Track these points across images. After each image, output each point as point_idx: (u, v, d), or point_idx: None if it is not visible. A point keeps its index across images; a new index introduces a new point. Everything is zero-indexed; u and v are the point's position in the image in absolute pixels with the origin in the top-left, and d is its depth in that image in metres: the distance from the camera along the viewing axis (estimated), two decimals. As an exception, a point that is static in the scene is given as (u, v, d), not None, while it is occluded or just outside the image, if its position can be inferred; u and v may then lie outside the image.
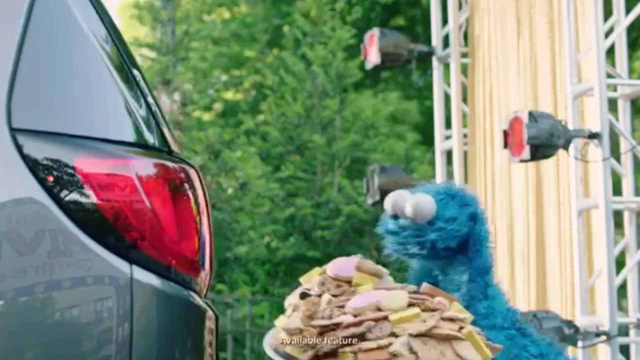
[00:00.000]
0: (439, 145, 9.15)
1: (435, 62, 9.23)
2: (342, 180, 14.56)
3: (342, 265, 3.14)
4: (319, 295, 3.01)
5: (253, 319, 11.87)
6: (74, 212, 2.20)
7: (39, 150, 2.22)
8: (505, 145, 7.05)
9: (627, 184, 7.54)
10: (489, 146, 8.39)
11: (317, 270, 3.16)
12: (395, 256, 3.44)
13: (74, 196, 2.22)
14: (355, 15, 16.41)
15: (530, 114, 6.92)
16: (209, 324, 2.41)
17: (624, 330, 7.04)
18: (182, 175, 2.37)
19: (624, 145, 7.51)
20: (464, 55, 8.92)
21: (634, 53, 13.63)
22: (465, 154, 8.80)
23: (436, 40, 9.21)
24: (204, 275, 2.40)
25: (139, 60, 15.39)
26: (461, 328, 2.80)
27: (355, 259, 3.11)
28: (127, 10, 16.76)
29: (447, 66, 9.23)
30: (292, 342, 2.88)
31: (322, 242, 14.14)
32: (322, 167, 14.78)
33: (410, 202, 3.36)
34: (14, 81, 2.24)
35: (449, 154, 9.09)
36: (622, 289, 7.55)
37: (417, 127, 16.75)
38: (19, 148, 2.21)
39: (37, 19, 2.31)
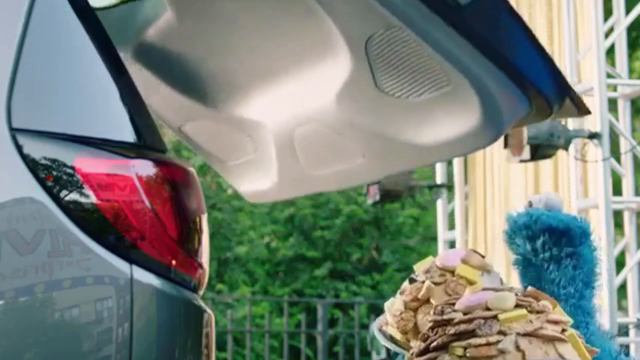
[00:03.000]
0: (439, 145, 9.14)
1: (435, 62, 9.22)
2: (342, 180, 14.55)
3: (449, 256, 3.25)
4: (423, 282, 3.12)
5: (253, 319, 11.87)
6: (74, 212, 2.21)
7: (39, 150, 2.22)
8: (505, 145, 7.05)
9: (627, 184, 7.54)
10: (489, 146, 8.38)
11: (430, 258, 3.26)
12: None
13: (74, 196, 2.22)
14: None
15: (530, 114, 6.92)
16: (208, 323, 2.41)
17: (623, 331, 7.04)
18: (182, 175, 2.37)
19: (624, 145, 7.51)
20: (464, 55, 8.91)
21: (634, 53, 13.62)
22: (465, 154, 8.80)
23: (436, 40, 9.20)
24: (203, 275, 2.41)
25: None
26: (564, 330, 2.91)
27: (463, 251, 3.21)
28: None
29: (447, 66, 9.22)
30: (393, 322, 3.08)
31: (322, 242, 14.14)
32: (322, 167, 14.77)
33: (540, 197, 3.45)
34: (14, 81, 2.24)
35: (448, 154, 9.08)
36: (622, 289, 7.55)
37: (417, 127, 16.73)
38: (19, 148, 2.21)
39: (37, 19, 2.31)
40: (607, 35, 7.28)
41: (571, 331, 2.96)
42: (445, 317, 2.89)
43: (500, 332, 2.85)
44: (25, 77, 2.26)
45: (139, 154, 2.32)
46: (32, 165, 2.21)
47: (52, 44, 2.33)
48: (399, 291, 3.23)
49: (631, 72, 9.10)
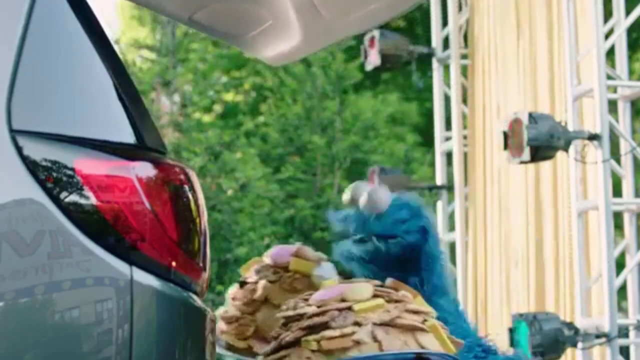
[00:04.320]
0: (439, 146, 9.16)
1: (435, 64, 9.23)
2: (342, 182, 14.56)
3: (279, 252, 3.18)
4: (256, 282, 3.02)
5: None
6: (74, 213, 2.21)
7: (39, 151, 2.22)
8: (505, 146, 7.05)
9: (627, 185, 7.54)
10: (489, 147, 8.39)
11: (255, 259, 3.20)
12: (341, 261, 3.38)
13: (74, 197, 2.22)
14: (355, 17, 16.38)
15: (530, 115, 6.92)
16: (209, 324, 2.41)
17: (623, 332, 7.04)
18: (182, 176, 2.37)
19: (624, 147, 7.51)
20: (464, 56, 8.92)
21: (634, 54, 13.63)
22: (465, 155, 8.81)
23: (436, 42, 9.22)
24: (204, 277, 2.41)
25: (138, 61, 15.41)
26: (425, 321, 2.83)
27: (293, 246, 3.14)
28: (127, 11, 16.77)
29: (447, 67, 9.23)
30: (230, 330, 2.96)
31: (322, 243, 14.14)
32: (322, 169, 14.78)
33: (367, 190, 3.34)
34: (14, 82, 2.24)
35: (449, 155, 9.09)
36: (622, 290, 7.55)
37: (417, 129, 16.76)
38: (19, 149, 2.21)
39: (37, 20, 2.31)
40: (607, 36, 7.28)
41: (432, 321, 2.86)
42: (298, 311, 2.82)
43: (356, 323, 2.75)
44: (25, 78, 2.26)
45: (139, 155, 2.32)
46: (32, 166, 2.21)
47: (52, 45, 2.33)
48: (230, 297, 3.14)
49: (631, 73, 9.10)
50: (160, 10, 3.51)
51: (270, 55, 3.73)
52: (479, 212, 8.50)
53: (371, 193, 3.31)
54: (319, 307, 2.79)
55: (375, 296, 2.83)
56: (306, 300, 2.86)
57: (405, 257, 3.33)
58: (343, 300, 2.81)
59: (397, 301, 2.83)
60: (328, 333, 2.73)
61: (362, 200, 3.31)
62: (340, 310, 2.77)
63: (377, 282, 2.95)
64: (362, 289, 2.85)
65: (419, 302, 2.92)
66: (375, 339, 2.74)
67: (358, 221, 3.32)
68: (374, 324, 2.75)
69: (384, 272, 3.24)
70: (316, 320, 2.76)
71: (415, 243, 3.33)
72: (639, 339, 7.25)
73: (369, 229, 3.30)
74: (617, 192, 7.37)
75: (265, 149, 15.07)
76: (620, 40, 7.56)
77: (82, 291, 2.18)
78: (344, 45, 14.88)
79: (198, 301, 2.37)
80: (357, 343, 2.72)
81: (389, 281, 2.97)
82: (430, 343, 2.80)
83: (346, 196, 3.40)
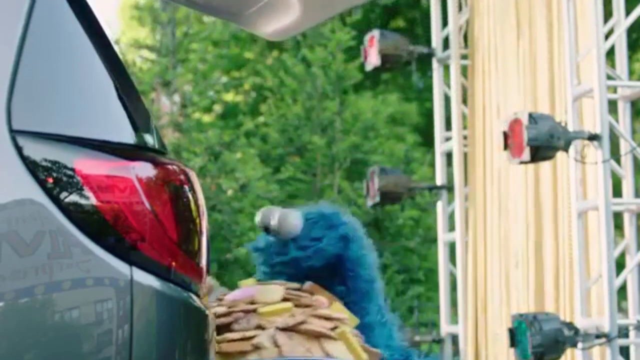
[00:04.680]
0: (439, 146, 9.16)
1: (435, 64, 9.23)
2: (342, 182, 14.56)
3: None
4: None
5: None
6: (74, 213, 2.21)
7: (39, 151, 2.22)
8: (505, 146, 7.05)
9: (627, 186, 7.54)
10: (489, 148, 8.39)
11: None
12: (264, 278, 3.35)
13: (74, 197, 2.22)
14: (355, 17, 16.41)
15: (530, 115, 6.92)
16: (209, 325, 2.41)
17: (623, 332, 7.03)
18: (182, 177, 2.37)
19: (624, 147, 7.51)
20: (464, 56, 8.93)
21: (634, 54, 13.63)
22: (465, 155, 8.81)
23: (436, 42, 9.22)
24: (204, 277, 2.41)
25: (138, 61, 15.40)
26: (335, 328, 2.76)
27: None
28: (127, 11, 16.76)
29: (447, 68, 9.24)
30: None
31: (322, 243, 14.11)
32: (322, 169, 14.78)
33: (277, 215, 3.30)
34: (14, 83, 2.24)
35: (449, 156, 9.09)
36: (622, 291, 7.55)
37: (417, 129, 16.76)
38: (19, 149, 2.21)
39: (37, 20, 2.31)
40: (607, 36, 7.28)
41: (343, 328, 2.79)
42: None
43: (259, 327, 2.68)
44: (25, 78, 2.26)
45: (139, 155, 2.32)
46: (32, 166, 2.21)
47: (52, 46, 2.33)
48: None
49: (631, 73, 9.10)
50: None
51: (270, 31, 3.72)
52: (479, 212, 8.50)
53: (281, 220, 3.26)
54: (229, 307, 2.73)
55: (285, 299, 2.76)
56: (220, 300, 2.79)
57: (327, 267, 3.31)
58: (252, 302, 2.74)
59: (307, 306, 2.75)
60: (230, 335, 2.66)
61: (274, 224, 3.27)
62: (245, 312, 2.70)
63: (294, 285, 2.88)
64: (273, 291, 2.78)
65: (335, 308, 2.83)
66: (276, 344, 2.66)
67: (278, 246, 3.30)
68: (277, 328, 2.67)
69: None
70: (223, 320, 2.69)
71: (336, 253, 3.31)
72: (639, 339, 7.25)
73: (290, 255, 3.28)
74: (617, 192, 7.37)
75: (265, 149, 15.07)
76: (620, 40, 7.56)
77: (82, 291, 2.18)
78: (343, 45, 14.89)
79: (198, 301, 2.37)
80: (257, 347, 2.64)
81: (307, 284, 2.91)
82: (338, 351, 2.72)
83: (257, 219, 3.37)
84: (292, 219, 3.31)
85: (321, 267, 3.29)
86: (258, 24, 3.70)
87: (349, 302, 3.24)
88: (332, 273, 3.30)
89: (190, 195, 2.38)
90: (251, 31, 3.88)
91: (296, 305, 2.73)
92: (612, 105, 7.53)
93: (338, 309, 2.83)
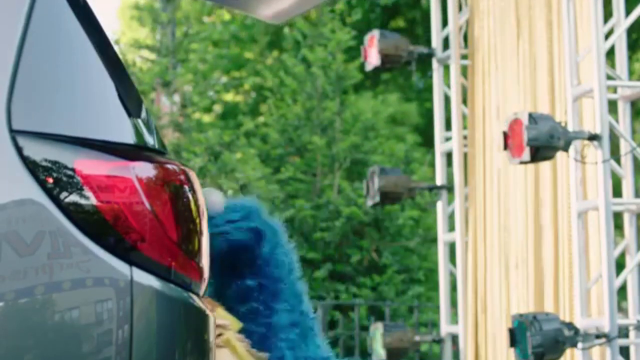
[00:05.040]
0: (439, 146, 9.16)
1: (435, 64, 9.24)
2: (342, 182, 14.56)
3: None
4: None
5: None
6: (74, 213, 2.21)
7: (39, 152, 2.22)
8: (505, 146, 7.05)
9: (627, 186, 7.55)
10: (489, 148, 8.39)
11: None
12: None
13: (74, 198, 2.22)
14: (355, 17, 16.42)
15: (530, 115, 6.92)
16: (209, 325, 2.41)
17: (623, 332, 7.04)
18: (182, 177, 2.37)
19: (624, 147, 7.52)
20: (464, 57, 8.93)
21: (634, 54, 13.63)
22: (465, 155, 8.81)
23: (436, 42, 9.22)
24: (204, 277, 2.41)
25: (138, 61, 15.40)
26: (220, 335, 2.73)
27: None
28: (127, 11, 16.76)
29: (447, 68, 9.24)
30: None
31: (322, 243, 14.14)
32: (322, 169, 14.78)
33: (204, 192, 3.34)
34: (14, 83, 2.24)
35: (449, 156, 9.10)
36: (622, 291, 7.55)
37: (417, 129, 16.77)
38: (19, 150, 2.21)
39: (37, 20, 2.31)
40: (607, 36, 7.28)
41: (228, 335, 2.75)
42: None
43: None
44: (25, 78, 2.26)
45: (139, 155, 2.32)
46: (32, 167, 2.21)
47: (52, 46, 2.33)
48: None
49: (631, 73, 9.11)
50: None
51: (270, 14, 3.71)
52: (479, 212, 8.50)
53: (205, 196, 3.30)
54: None
55: None
56: None
57: (237, 257, 3.31)
58: None
59: None
60: None
61: None
62: None
63: None
64: None
65: (219, 314, 2.79)
66: None
67: None
68: None
69: (219, 276, 3.20)
70: None
71: (244, 242, 3.32)
72: (639, 339, 7.26)
73: None
74: (617, 192, 7.37)
75: (265, 150, 15.07)
76: (620, 40, 7.56)
77: (82, 291, 2.18)
78: (343, 45, 14.89)
79: (198, 301, 2.37)
80: None
81: None
82: (224, 358, 2.69)
83: None
84: (214, 197, 3.36)
85: (230, 254, 3.28)
86: (258, 7, 3.69)
87: (259, 301, 3.23)
88: (244, 264, 3.31)
89: (190, 195, 2.38)
90: (251, 14, 3.87)
91: None
92: (612, 106, 7.53)
93: (221, 315, 2.79)
